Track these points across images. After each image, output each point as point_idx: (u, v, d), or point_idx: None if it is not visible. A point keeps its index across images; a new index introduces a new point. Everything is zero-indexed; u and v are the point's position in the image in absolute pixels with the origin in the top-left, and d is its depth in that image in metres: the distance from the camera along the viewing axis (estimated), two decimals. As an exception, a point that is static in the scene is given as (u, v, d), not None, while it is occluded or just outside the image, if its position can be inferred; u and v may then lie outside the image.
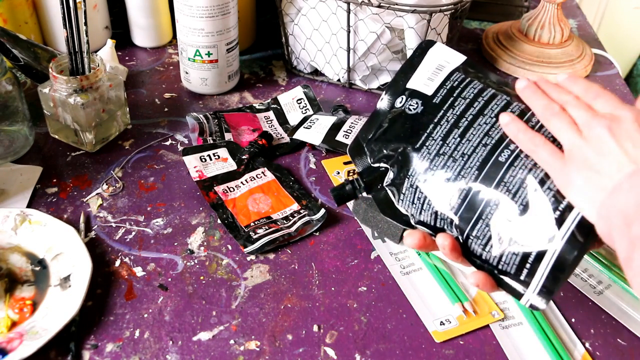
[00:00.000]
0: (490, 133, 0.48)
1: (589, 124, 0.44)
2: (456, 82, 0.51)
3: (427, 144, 0.50)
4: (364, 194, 0.55)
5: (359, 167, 0.56)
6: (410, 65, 0.54)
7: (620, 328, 0.56)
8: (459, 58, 0.53)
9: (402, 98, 0.53)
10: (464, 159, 0.48)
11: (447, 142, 0.49)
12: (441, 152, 0.49)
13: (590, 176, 0.42)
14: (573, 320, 0.57)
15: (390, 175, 0.53)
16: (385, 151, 0.53)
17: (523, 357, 0.53)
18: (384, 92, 0.55)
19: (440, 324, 0.55)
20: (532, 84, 0.49)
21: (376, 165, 0.54)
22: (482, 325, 0.55)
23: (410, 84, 0.53)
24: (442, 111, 0.50)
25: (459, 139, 0.49)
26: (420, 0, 0.74)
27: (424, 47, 0.54)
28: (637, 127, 0.42)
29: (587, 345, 0.55)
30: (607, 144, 0.42)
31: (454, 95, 0.51)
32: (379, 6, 0.74)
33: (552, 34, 0.92)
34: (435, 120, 0.50)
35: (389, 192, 0.53)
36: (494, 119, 0.48)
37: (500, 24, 1.01)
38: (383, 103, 0.55)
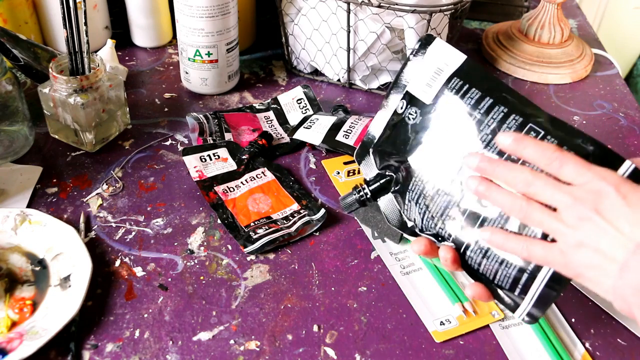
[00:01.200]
0: (490, 147, 0.47)
1: (571, 208, 0.42)
2: (454, 90, 0.50)
3: (426, 157, 0.50)
4: (372, 201, 0.55)
5: (366, 174, 0.56)
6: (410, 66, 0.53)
7: (620, 328, 0.56)
8: (458, 58, 0.51)
9: (403, 103, 0.53)
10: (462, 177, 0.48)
11: (446, 155, 0.49)
12: (441, 166, 0.49)
13: (594, 264, 0.42)
14: (573, 320, 0.57)
15: (395, 184, 0.53)
16: (389, 160, 0.53)
17: (523, 357, 0.53)
18: (386, 94, 0.54)
19: (440, 324, 0.55)
20: (483, 181, 0.46)
21: (382, 172, 0.54)
22: (482, 325, 0.55)
23: (410, 87, 0.53)
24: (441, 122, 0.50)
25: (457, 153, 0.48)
26: (420, 0, 0.74)
27: (424, 42, 0.53)
28: (622, 201, 0.41)
29: (587, 345, 0.55)
30: (600, 228, 0.41)
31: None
32: (379, 6, 0.74)
33: (552, 34, 0.92)
34: (434, 132, 0.50)
35: (394, 200, 0.53)
36: (490, 135, 0.47)
37: (500, 24, 1.01)
38: (386, 107, 0.54)
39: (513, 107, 0.47)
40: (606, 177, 0.42)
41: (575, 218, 0.42)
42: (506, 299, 0.48)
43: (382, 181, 0.54)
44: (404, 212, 0.53)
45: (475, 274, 0.49)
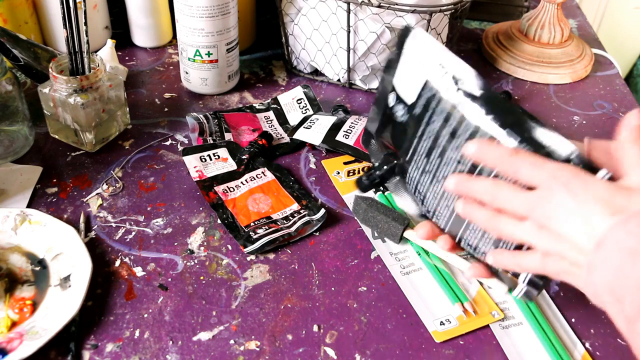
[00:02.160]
0: (462, 160, 0.47)
1: (531, 217, 0.42)
2: (431, 93, 0.49)
3: (415, 158, 0.51)
4: (381, 184, 0.57)
5: (373, 158, 0.58)
6: (395, 57, 0.52)
7: (620, 328, 0.56)
8: (436, 51, 0.49)
9: (393, 96, 0.53)
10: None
11: (430, 160, 0.50)
12: (427, 169, 0.51)
13: (565, 270, 0.42)
14: (573, 320, 0.57)
15: (399, 168, 0.55)
16: (390, 149, 0.55)
17: (523, 357, 0.53)
18: (380, 81, 0.55)
19: (440, 324, 0.55)
20: (465, 201, 0.47)
21: (388, 157, 0.56)
22: (482, 325, 0.55)
23: (395, 82, 0.53)
24: (423, 126, 0.50)
25: (439, 159, 0.49)
26: (420, 0, 0.74)
27: (402, 35, 0.51)
28: (571, 200, 0.40)
29: (587, 345, 0.55)
30: (556, 236, 0.41)
31: (430, 109, 0.49)
32: (379, 6, 0.74)
33: (552, 34, 0.92)
34: (419, 135, 0.50)
35: (399, 184, 0.55)
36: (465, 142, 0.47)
37: (500, 24, 1.01)
38: (380, 91, 0.55)
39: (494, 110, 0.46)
40: (557, 175, 0.41)
41: (535, 228, 0.42)
42: (504, 276, 0.50)
43: (387, 167, 0.56)
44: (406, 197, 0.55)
45: (475, 255, 0.51)
